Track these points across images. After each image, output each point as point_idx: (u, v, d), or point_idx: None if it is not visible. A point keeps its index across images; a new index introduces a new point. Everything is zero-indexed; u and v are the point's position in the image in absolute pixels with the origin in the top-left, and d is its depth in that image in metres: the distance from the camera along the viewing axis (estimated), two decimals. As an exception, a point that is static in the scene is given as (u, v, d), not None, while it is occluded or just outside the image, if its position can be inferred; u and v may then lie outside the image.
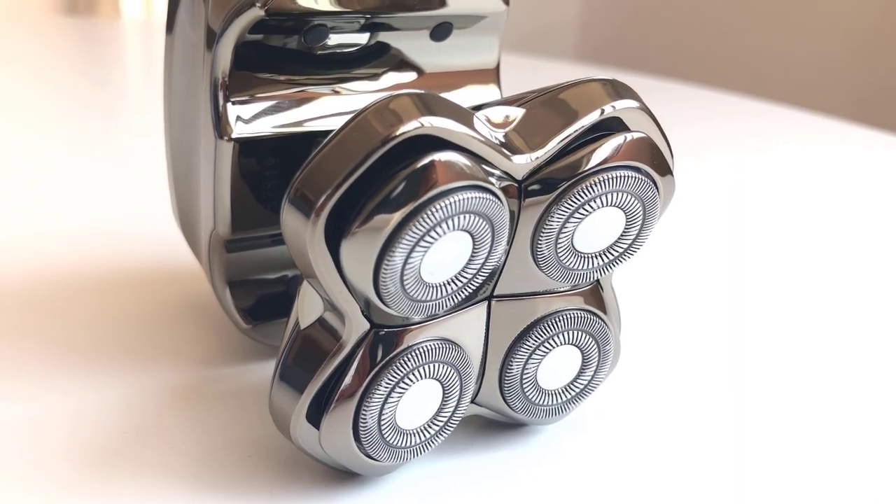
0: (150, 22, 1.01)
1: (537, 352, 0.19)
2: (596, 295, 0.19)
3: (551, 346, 0.19)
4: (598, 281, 0.19)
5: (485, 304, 0.18)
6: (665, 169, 0.17)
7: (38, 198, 0.35)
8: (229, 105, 0.19)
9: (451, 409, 0.18)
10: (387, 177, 0.15)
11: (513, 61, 0.32)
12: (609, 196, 0.17)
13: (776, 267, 0.32)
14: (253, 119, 0.20)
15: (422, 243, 0.15)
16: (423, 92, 0.16)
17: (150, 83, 0.56)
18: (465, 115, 0.16)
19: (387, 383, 0.17)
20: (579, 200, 0.17)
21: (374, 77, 0.21)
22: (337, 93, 0.21)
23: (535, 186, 0.17)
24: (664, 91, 0.60)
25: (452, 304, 0.17)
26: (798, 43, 1.05)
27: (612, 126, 0.17)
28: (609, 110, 0.17)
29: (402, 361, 0.17)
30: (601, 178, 0.17)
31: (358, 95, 0.21)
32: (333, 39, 0.20)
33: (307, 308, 0.17)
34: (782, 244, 0.34)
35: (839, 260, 0.33)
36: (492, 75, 0.23)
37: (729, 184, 0.42)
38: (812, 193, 0.41)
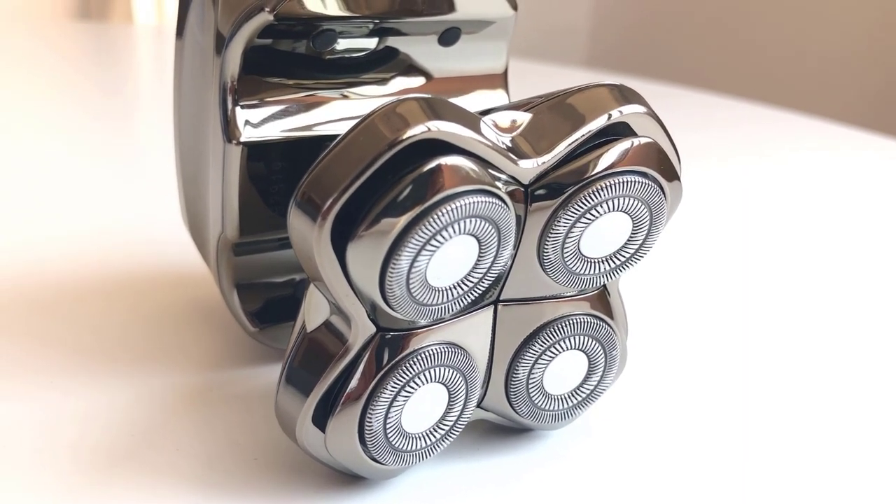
0: (163, 27, 1.01)
1: (543, 357, 0.19)
2: (603, 300, 0.19)
3: (557, 350, 0.19)
4: (604, 286, 0.19)
5: (491, 308, 0.18)
6: (672, 174, 0.17)
7: (46, 201, 0.35)
8: (238, 109, 0.20)
9: (457, 413, 0.18)
10: (393, 181, 0.15)
11: (521, 66, 0.32)
12: (616, 201, 0.17)
13: (785, 275, 0.32)
14: (261, 123, 0.20)
15: (428, 247, 0.15)
16: (430, 96, 0.16)
17: (162, 87, 0.56)
18: (471, 120, 0.16)
19: (392, 387, 0.17)
20: (586, 205, 0.17)
21: (383, 82, 0.22)
22: (345, 97, 0.21)
23: (542, 191, 0.17)
24: (673, 97, 0.60)
25: (458, 308, 0.17)
26: (810, 49, 1.05)
27: (619, 131, 0.17)
28: (616, 115, 0.17)
29: (407, 365, 0.17)
30: (608, 183, 0.17)
31: (366, 100, 0.21)
32: (342, 44, 0.21)
33: (313, 311, 0.17)
34: (791, 252, 0.34)
35: (849, 269, 0.33)
36: (500, 80, 0.23)
37: (738, 190, 0.42)
38: (821, 201, 0.41)
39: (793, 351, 0.26)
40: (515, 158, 0.16)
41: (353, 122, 0.16)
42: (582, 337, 0.19)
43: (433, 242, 0.15)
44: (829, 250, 0.34)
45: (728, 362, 0.25)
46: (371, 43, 0.21)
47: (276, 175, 0.21)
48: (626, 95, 0.17)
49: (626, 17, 1.26)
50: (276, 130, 0.20)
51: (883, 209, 0.40)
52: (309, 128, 0.21)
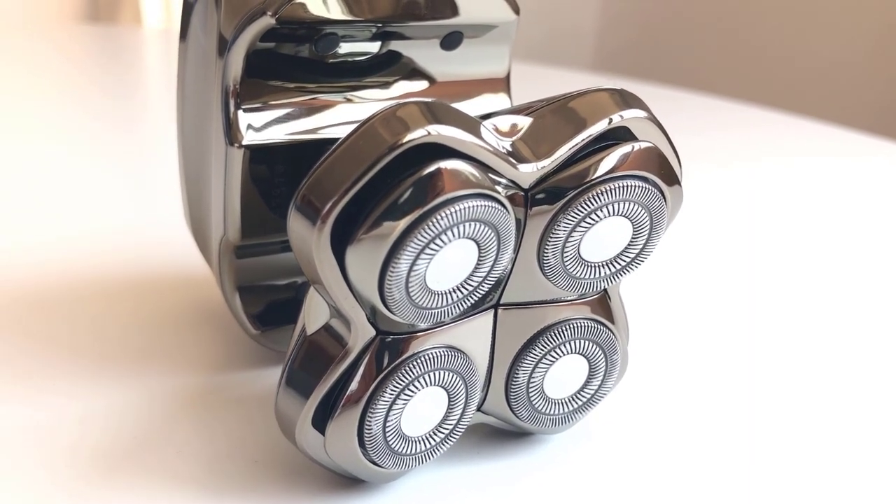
0: (171, 29, 1.02)
1: (544, 361, 0.19)
2: (603, 304, 0.19)
3: (558, 355, 0.19)
4: (605, 290, 0.19)
5: (491, 312, 0.18)
6: (672, 179, 0.17)
7: (51, 202, 0.35)
8: (240, 112, 0.20)
9: (457, 416, 0.18)
10: (393, 184, 0.15)
11: (526, 69, 0.32)
12: (616, 205, 0.17)
13: (788, 280, 0.32)
14: (263, 126, 0.20)
15: (427, 250, 0.15)
16: (430, 100, 0.16)
17: (170, 90, 0.56)
18: (472, 124, 0.16)
19: (392, 390, 0.17)
20: (586, 209, 0.17)
21: (385, 86, 0.22)
22: (348, 101, 0.21)
23: (542, 195, 0.17)
24: (677, 100, 0.60)
25: (458, 311, 0.17)
26: (816, 53, 1.05)
27: (619, 136, 0.17)
28: (617, 120, 0.17)
29: (407, 368, 0.17)
30: (608, 188, 0.17)
31: (368, 104, 0.21)
32: (344, 48, 0.21)
33: (314, 314, 0.17)
34: (794, 257, 0.34)
35: (853, 275, 0.33)
36: (502, 84, 0.23)
37: (740, 194, 0.42)
38: (824, 206, 0.41)
39: (796, 355, 0.26)
40: (515, 162, 0.16)
41: (354, 126, 0.16)
42: (582, 341, 0.19)
43: (432, 246, 0.15)
44: (832, 255, 0.34)
45: (730, 367, 0.25)
46: (374, 47, 0.21)
47: (278, 178, 0.21)
48: (626, 100, 0.17)
49: (633, 21, 1.26)
50: (278, 134, 0.20)
51: (887, 214, 0.40)
52: (311, 131, 0.21)
